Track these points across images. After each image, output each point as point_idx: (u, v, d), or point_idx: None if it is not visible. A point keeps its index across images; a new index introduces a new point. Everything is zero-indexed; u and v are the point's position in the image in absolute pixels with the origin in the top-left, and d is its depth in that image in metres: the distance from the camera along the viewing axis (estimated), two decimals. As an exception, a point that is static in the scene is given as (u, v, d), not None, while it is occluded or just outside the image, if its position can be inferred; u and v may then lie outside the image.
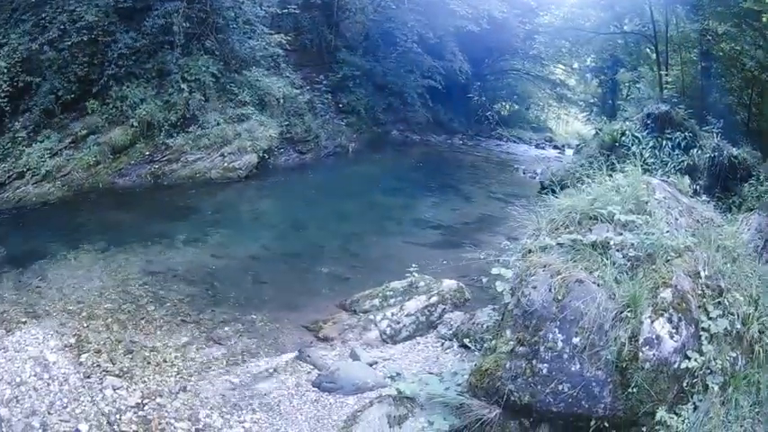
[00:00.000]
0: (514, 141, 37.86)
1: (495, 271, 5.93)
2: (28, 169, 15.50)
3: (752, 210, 9.79)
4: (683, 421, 4.78)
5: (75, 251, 11.85)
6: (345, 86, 28.46)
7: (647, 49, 25.32)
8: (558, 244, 5.59)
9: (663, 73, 20.08)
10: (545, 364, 5.03)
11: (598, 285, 5.16)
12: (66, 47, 16.49)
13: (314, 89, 26.28)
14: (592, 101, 40.02)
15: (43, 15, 16.64)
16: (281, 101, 22.05)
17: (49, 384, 6.92)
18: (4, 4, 17.25)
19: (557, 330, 5.05)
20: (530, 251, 5.71)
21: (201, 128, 18.93)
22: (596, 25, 32.62)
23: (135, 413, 6.65)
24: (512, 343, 5.24)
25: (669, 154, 14.18)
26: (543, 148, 36.98)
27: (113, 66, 17.36)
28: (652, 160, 13.69)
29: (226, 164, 19.01)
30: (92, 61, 17.21)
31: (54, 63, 16.49)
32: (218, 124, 19.35)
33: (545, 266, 5.33)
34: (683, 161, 14.16)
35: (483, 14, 30.55)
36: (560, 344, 5.01)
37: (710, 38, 17.34)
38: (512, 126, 40.56)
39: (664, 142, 14.65)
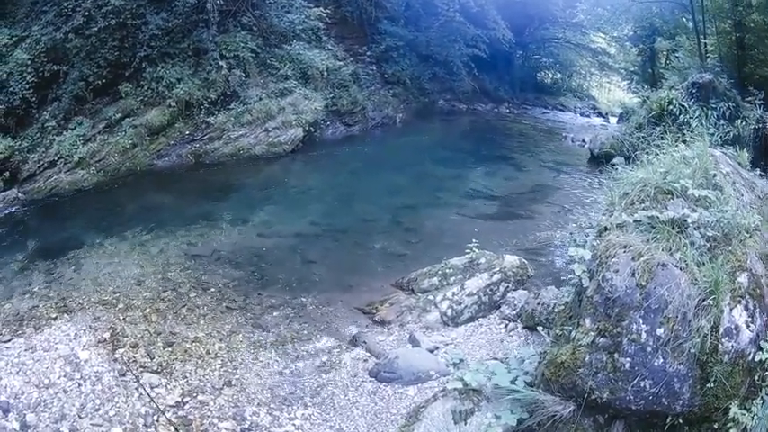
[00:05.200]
0: (560, 109, 37.56)
1: (572, 252, 5.40)
2: (60, 157, 15.08)
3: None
4: (753, 417, 4.40)
5: (112, 238, 11.35)
6: (389, 57, 27.95)
7: (684, 18, 24.40)
8: (636, 221, 5.12)
9: (704, 41, 19.28)
10: (627, 359, 4.55)
11: (680, 269, 4.66)
12: (93, 33, 16.07)
13: (357, 61, 25.77)
14: (632, 69, 39.15)
15: (65, 5, 16.19)
16: (325, 73, 21.50)
17: (80, 385, 6.37)
18: None
19: (641, 320, 4.57)
20: (606, 229, 5.28)
21: (243, 104, 18.54)
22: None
23: (174, 413, 6.08)
24: (592, 333, 4.75)
25: (715, 124, 13.69)
26: (588, 116, 36.42)
27: (146, 48, 16.94)
28: (700, 130, 13.24)
29: (270, 139, 18.63)
30: (122, 45, 16.76)
31: (81, 50, 16.06)
32: (260, 99, 18.92)
33: (625, 247, 4.83)
34: (728, 132, 13.65)
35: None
36: (644, 335, 4.53)
37: (742, 9, 16.48)
38: (556, 94, 40.49)
39: (709, 112, 14.25)
